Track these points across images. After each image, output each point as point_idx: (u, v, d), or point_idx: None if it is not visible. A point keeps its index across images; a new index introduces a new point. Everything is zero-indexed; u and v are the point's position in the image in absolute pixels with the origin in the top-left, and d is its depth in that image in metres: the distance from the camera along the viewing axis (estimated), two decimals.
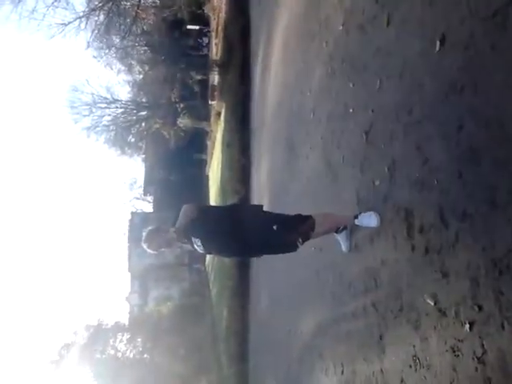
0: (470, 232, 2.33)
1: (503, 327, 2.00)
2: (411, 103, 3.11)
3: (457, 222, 2.44)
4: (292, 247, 3.62)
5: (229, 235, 3.48)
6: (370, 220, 3.49)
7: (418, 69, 3.08)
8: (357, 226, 3.67)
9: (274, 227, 3.47)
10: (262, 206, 3.85)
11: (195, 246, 3.59)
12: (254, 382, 10.45)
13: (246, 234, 3.50)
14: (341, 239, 4.04)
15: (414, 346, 2.73)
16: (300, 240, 3.56)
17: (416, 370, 2.71)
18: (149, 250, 3.54)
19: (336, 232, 3.95)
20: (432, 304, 2.57)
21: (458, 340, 2.30)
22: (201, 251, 3.66)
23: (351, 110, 4.28)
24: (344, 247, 4.05)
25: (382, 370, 3.20)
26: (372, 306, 3.40)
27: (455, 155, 2.53)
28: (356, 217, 3.63)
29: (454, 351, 2.32)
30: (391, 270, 3.20)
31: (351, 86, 4.35)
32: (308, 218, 3.60)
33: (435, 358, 2.51)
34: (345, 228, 3.95)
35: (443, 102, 2.71)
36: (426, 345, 2.61)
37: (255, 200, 11.52)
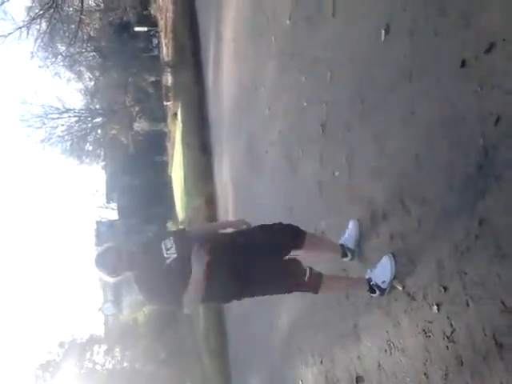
0: (431, 216, 2.38)
1: (468, 305, 2.06)
2: (363, 92, 3.16)
3: (418, 206, 2.49)
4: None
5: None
6: (384, 271, 2.73)
7: (367, 58, 3.13)
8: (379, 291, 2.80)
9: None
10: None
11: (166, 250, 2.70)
12: (237, 381, 10.45)
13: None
14: None
15: (387, 332, 2.78)
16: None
17: (391, 354, 2.76)
18: (106, 278, 2.71)
19: None
20: (401, 289, 2.63)
21: (428, 321, 2.35)
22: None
23: (305, 104, 4.30)
24: None
25: (359, 357, 3.25)
26: (344, 296, 3.44)
27: (410, 140, 2.58)
28: (370, 280, 2.82)
29: (426, 333, 2.38)
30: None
31: (303, 79, 4.37)
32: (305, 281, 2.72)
33: (408, 341, 2.56)
34: None
35: (393, 88, 2.76)
36: (398, 329, 2.66)
37: (221, 198, 11.48)
